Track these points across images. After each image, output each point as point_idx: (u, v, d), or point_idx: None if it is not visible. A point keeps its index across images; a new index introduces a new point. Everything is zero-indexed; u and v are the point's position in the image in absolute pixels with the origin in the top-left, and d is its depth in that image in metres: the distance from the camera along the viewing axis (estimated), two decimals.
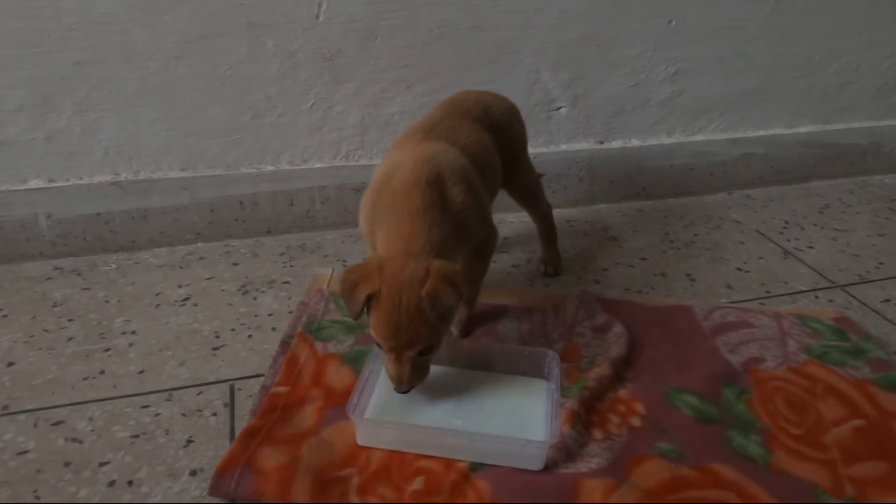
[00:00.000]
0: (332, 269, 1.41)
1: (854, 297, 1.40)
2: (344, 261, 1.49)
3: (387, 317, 0.95)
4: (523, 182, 1.38)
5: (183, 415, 1.03)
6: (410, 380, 0.98)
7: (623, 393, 1.07)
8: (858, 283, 1.46)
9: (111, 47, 1.34)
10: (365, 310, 0.96)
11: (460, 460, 0.93)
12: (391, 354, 0.97)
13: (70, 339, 1.20)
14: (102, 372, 1.12)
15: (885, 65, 1.93)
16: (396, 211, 1.03)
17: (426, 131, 1.17)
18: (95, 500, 0.88)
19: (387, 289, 0.94)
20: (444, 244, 1.02)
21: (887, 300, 1.39)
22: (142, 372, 1.12)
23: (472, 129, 1.21)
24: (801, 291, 1.42)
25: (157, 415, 1.03)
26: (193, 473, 0.93)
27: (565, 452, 0.94)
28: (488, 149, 1.21)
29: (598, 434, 0.99)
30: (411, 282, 0.94)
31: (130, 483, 0.91)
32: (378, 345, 1.00)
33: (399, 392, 0.99)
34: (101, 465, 0.93)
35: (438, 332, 0.98)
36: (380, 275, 0.95)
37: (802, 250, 1.60)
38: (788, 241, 1.65)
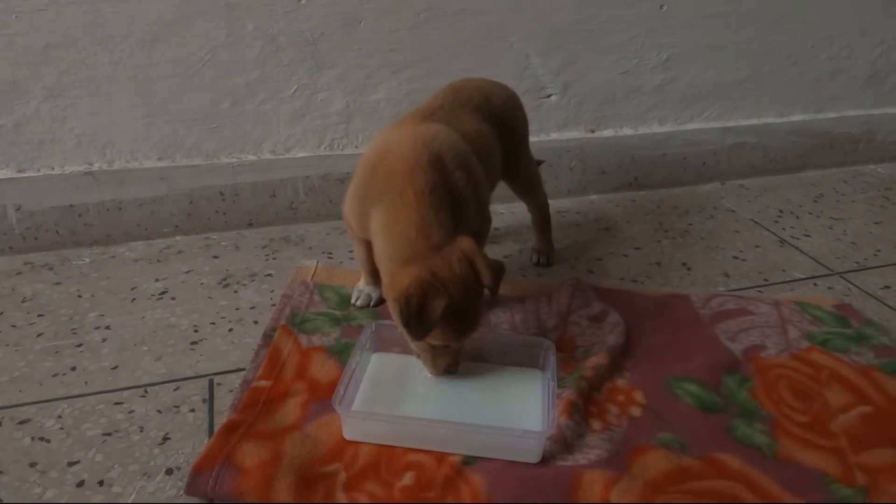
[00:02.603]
0: (317, 262, 1.35)
1: (853, 285, 1.37)
2: (329, 253, 1.44)
3: (462, 316, 0.93)
4: (524, 173, 1.34)
5: (158, 411, 0.97)
6: (460, 361, 1.00)
7: (621, 382, 1.03)
8: (857, 271, 1.43)
9: (83, 30, 1.28)
10: None
11: (453, 454, 0.88)
12: (454, 347, 0.97)
13: (39, 334, 1.14)
14: (73, 368, 1.06)
15: (877, 52, 1.90)
16: (398, 192, 0.97)
17: (425, 115, 1.12)
18: (63, 502, 0.82)
19: (456, 292, 0.91)
20: (452, 228, 0.97)
21: (887, 287, 1.36)
22: (115, 368, 1.06)
23: (472, 118, 1.16)
24: (800, 279, 1.39)
25: (131, 412, 0.97)
26: (169, 472, 0.87)
27: (563, 444, 0.89)
28: (488, 140, 1.17)
29: (596, 425, 0.94)
30: (468, 274, 0.93)
31: (101, 483, 0.85)
32: (420, 351, 0.98)
33: (453, 373, 1.00)
34: (70, 464, 0.88)
35: None
36: (440, 282, 0.91)
37: (799, 238, 1.57)
38: (784, 229, 1.62)
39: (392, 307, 0.94)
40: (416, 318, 0.89)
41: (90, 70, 1.32)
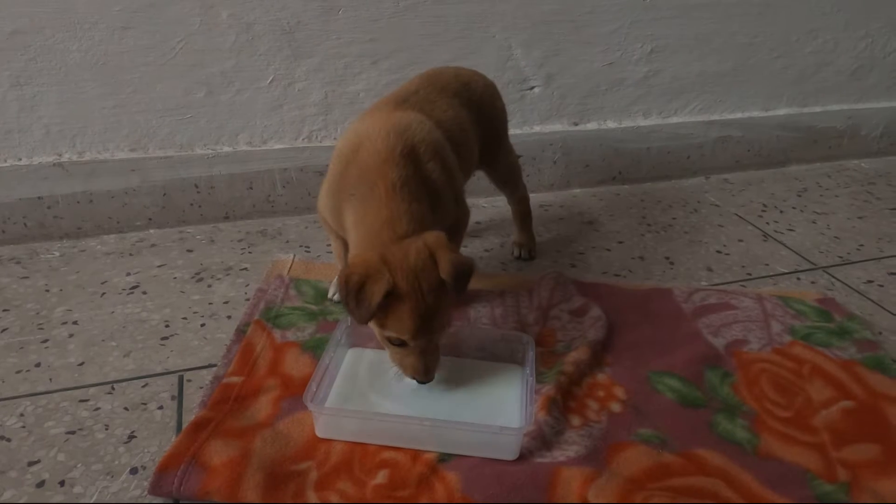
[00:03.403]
0: (294, 255, 1.32)
1: (836, 279, 1.36)
2: (307, 247, 1.41)
3: (413, 308, 0.87)
4: (503, 163, 1.31)
5: (125, 408, 0.94)
6: (436, 367, 0.94)
7: (602, 377, 1.01)
8: (840, 265, 1.42)
9: (50, 15, 1.24)
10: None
11: (427, 451, 0.85)
12: (415, 345, 0.90)
13: (4, 329, 1.10)
14: (38, 364, 1.02)
15: (862, 45, 1.90)
16: (369, 186, 0.94)
17: (398, 102, 1.09)
18: (21, 502, 0.79)
19: (403, 280, 0.86)
20: (424, 220, 0.94)
21: (870, 281, 1.35)
22: (82, 364, 1.03)
23: (449, 104, 1.13)
24: (783, 273, 1.38)
25: (97, 409, 0.94)
26: (134, 471, 0.84)
27: (541, 440, 0.87)
28: (465, 126, 1.14)
29: (575, 420, 0.92)
30: (424, 264, 0.87)
31: (62, 483, 0.82)
32: (392, 343, 0.92)
33: (425, 382, 0.94)
34: (31, 464, 0.84)
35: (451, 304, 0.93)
36: (387, 267, 0.86)
37: (782, 233, 1.56)
38: (768, 223, 1.60)
39: (339, 287, 0.90)
40: (355, 298, 0.85)
41: (59, 57, 1.28)
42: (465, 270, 0.89)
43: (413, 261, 0.87)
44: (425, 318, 0.88)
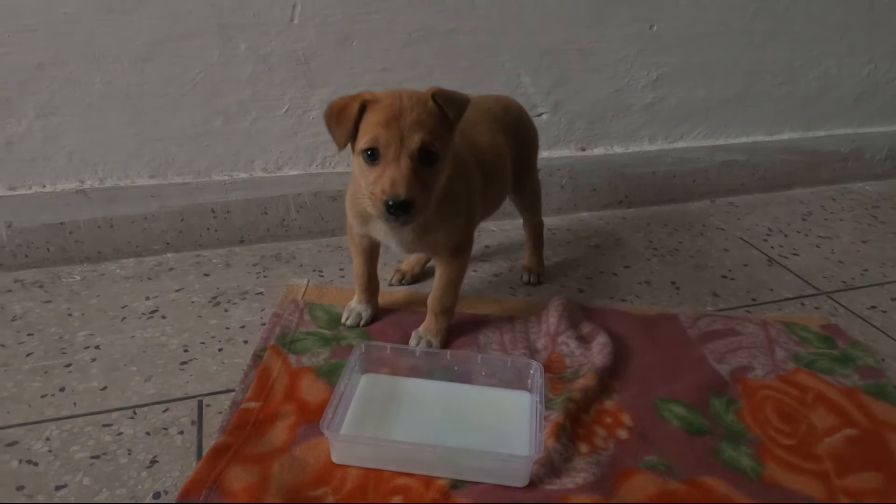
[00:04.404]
0: (308, 280, 1.36)
1: (840, 304, 1.38)
2: (320, 271, 1.44)
3: (386, 108, 0.90)
4: (530, 188, 1.37)
5: (147, 433, 0.97)
6: (410, 184, 0.88)
7: (609, 404, 1.03)
8: (844, 290, 1.44)
9: (75, 48, 1.29)
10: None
11: (440, 477, 0.88)
12: (388, 156, 0.90)
13: (28, 354, 1.14)
14: (62, 389, 1.06)
15: (866, 71, 1.93)
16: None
17: None
18: None
19: (384, 96, 0.92)
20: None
21: (873, 307, 1.37)
22: (104, 388, 1.06)
23: (489, 128, 1.17)
24: (787, 299, 1.40)
25: (120, 434, 0.97)
26: (157, 496, 0.87)
27: (550, 467, 0.90)
28: (501, 151, 1.18)
29: (584, 447, 0.95)
30: (412, 91, 0.94)
31: None
32: (365, 160, 0.92)
33: (396, 203, 0.88)
34: (58, 488, 0.87)
35: (442, 136, 0.93)
36: (372, 94, 0.93)
37: (787, 257, 1.58)
38: (773, 248, 1.63)
39: (325, 120, 0.96)
40: (336, 119, 0.92)
41: (82, 88, 1.32)
42: (457, 95, 0.95)
43: (404, 90, 0.94)
44: (395, 116, 0.90)
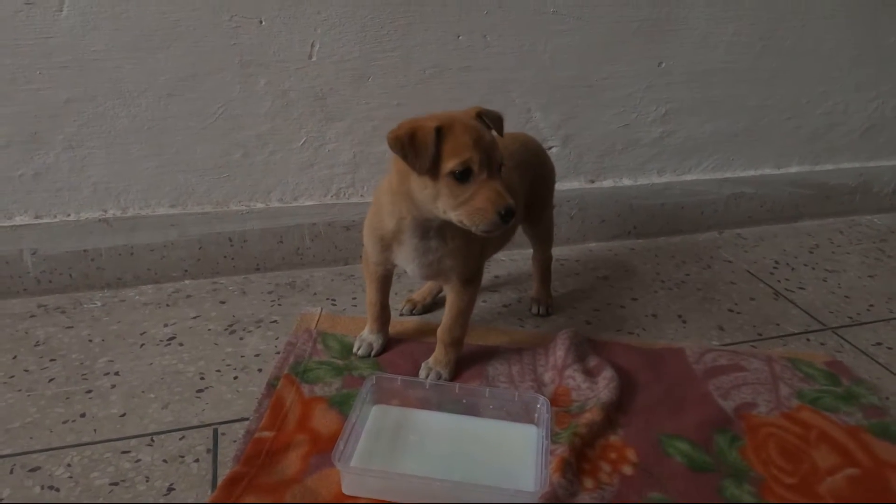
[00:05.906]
0: (321, 309, 1.39)
1: (845, 340, 1.39)
2: (333, 300, 1.47)
3: (469, 130, 0.97)
4: (545, 222, 1.41)
5: (164, 461, 1.00)
6: (509, 193, 0.98)
7: (614, 439, 1.06)
8: (850, 326, 1.45)
9: (102, 85, 1.34)
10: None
11: None
12: (480, 170, 0.97)
13: (51, 380, 1.17)
14: (83, 415, 1.09)
15: (873, 106, 1.95)
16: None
17: None
18: None
19: (446, 119, 0.98)
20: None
21: (879, 343, 1.39)
22: (123, 415, 1.10)
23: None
24: (793, 334, 1.42)
25: (138, 461, 1.00)
26: None
27: (555, 503, 0.92)
28: (514, 188, 1.21)
29: (589, 483, 0.97)
30: (464, 112, 1.04)
31: None
32: (456, 178, 0.97)
33: (508, 210, 0.96)
34: None
35: None
36: (434, 118, 0.98)
37: (793, 291, 1.60)
38: (779, 281, 1.65)
39: (393, 147, 0.98)
40: (411, 147, 0.95)
41: (108, 122, 1.38)
42: (496, 113, 1.07)
43: (459, 112, 1.04)
44: (479, 139, 0.98)
